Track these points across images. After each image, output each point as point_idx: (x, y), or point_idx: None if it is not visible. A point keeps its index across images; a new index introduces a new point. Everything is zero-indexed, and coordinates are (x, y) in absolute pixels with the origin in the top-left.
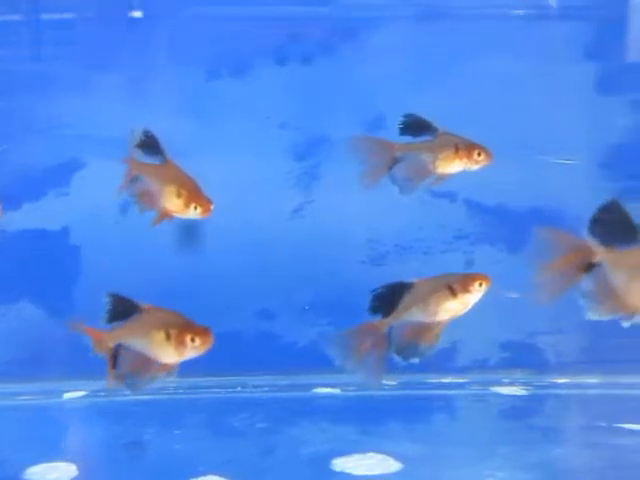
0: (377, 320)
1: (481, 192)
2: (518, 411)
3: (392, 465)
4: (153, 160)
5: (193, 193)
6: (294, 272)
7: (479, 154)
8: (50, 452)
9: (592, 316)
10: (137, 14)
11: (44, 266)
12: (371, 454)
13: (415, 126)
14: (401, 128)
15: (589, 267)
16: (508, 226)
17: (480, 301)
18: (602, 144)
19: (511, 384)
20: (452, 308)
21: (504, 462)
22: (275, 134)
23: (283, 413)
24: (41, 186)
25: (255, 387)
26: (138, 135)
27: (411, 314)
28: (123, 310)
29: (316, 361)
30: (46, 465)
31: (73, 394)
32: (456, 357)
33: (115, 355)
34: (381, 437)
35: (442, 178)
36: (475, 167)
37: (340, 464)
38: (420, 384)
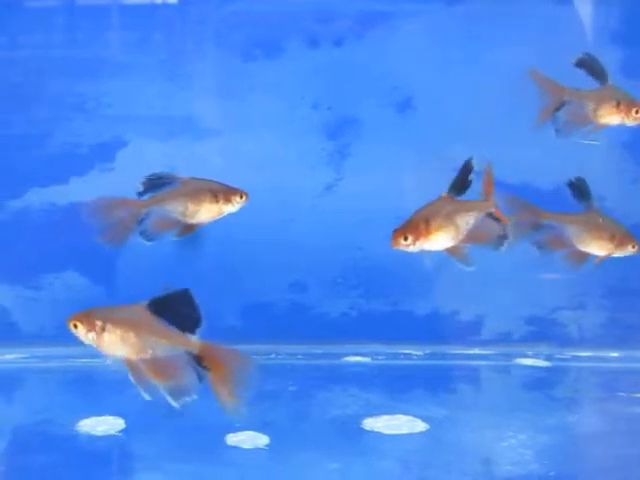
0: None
1: (505, 170)
2: (540, 382)
3: (419, 426)
4: None
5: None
6: (325, 246)
7: (637, 111)
8: (99, 408)
9: None
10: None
11: (89, 237)
12: (399, 416)
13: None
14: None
15: None
16: None
17: (506, 278)
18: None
19: (534, 357)
20: None
21: (525, 425)
22: (308, 114)
23: (314, 379)
24: (87, 162)
25: (289, 355)
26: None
27: None
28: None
29: (347, 331)
30: (95, 419)
31: None
32: (481, 330)
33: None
34: (408, 402)
35: (599, 128)
36: (632, 123)
37: (370, 424)
38: (446, 355)
